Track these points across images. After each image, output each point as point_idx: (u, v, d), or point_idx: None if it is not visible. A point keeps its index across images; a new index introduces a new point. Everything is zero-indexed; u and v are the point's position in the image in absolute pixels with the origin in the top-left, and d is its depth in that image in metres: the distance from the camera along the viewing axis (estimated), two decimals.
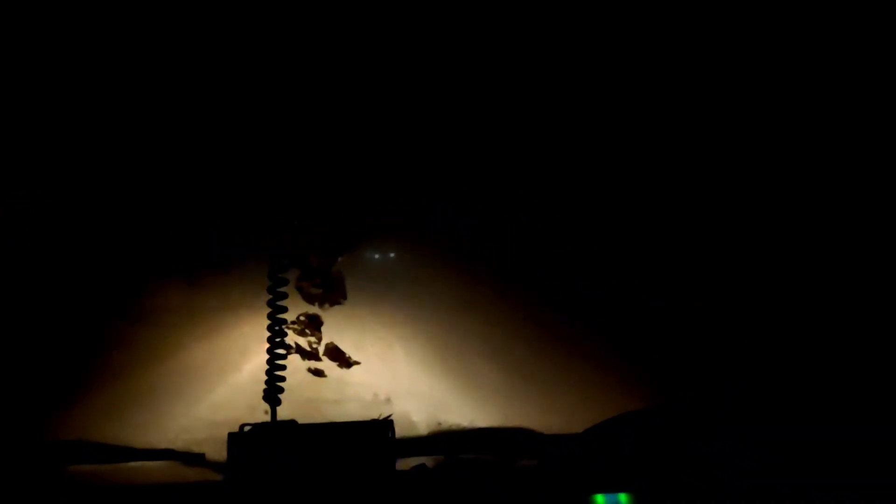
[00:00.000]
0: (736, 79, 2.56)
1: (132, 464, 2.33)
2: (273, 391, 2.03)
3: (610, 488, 2.03)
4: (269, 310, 2.09)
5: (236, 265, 2.59)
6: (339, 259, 2.56)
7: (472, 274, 2.65)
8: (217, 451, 2.16)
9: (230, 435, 1.97)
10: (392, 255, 2.71)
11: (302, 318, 2.53)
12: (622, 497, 2.02)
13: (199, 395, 2.63)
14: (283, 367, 2.06)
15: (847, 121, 2.55)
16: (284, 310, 2.08)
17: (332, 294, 2.52)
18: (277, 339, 2.04)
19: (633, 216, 2.59)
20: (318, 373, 2.55)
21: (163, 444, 2.38)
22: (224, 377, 2.67)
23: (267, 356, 2.07)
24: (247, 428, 1.97)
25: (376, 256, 2.71)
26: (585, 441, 2.14)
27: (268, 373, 2.05)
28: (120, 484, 2.25)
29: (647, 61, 2.56)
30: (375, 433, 2.04)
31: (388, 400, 2.53)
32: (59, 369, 2.50)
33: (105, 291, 2.64)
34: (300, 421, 2.05)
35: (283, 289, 2.08)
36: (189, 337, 2.65)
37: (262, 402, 2.08)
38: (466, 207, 2.67)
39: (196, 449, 2.34)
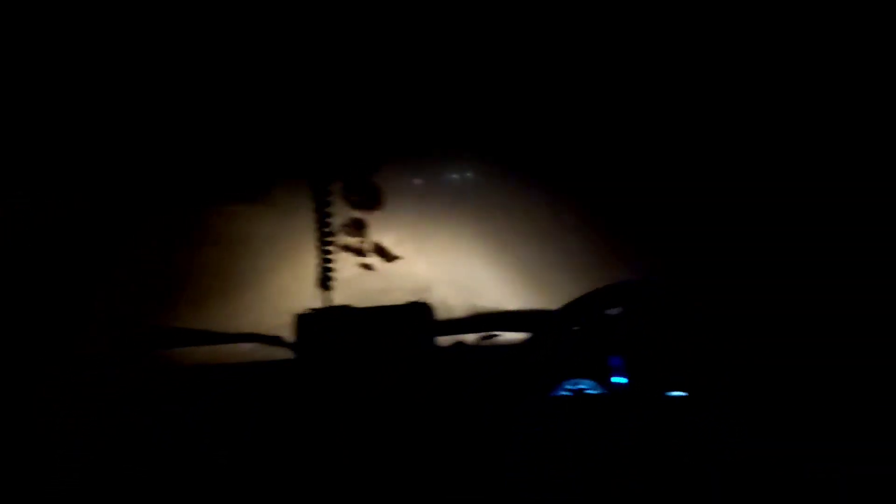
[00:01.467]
0: (738, 79, 2.66)
1: (219, 346, 2.53)
2: (325, 280, 2.36)
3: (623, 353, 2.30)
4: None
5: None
6: (379, 168, 2.78)
7: (501, 169, 2.85)
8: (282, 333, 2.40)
9: (297, 316, 2.29)
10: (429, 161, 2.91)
11: (349, 221, 2.77)
12: (619, 360, 2.28)
13: (274, 289, 2.87)
14: (331, 260, 2.36)
15: (847, 121, 2.59)
16: (329, 214, 2.36)
17: (371, 201, 2.76)
18: (325, 236, 2.34)
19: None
20: (367, 267, 2.81)
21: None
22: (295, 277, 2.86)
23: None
24: (310, 311, 2.29)
25: (412, 164, 2.91)
26: (577, 311, 2.38)
27: (319, 265, 2.36)
28: (210, 363, 2.48)
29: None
30: (417, 314, 2.32)
31: (428, 288, 2.76)
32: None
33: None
34: (353, 306, 2.34)
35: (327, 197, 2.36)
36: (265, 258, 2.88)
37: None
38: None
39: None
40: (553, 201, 2.82)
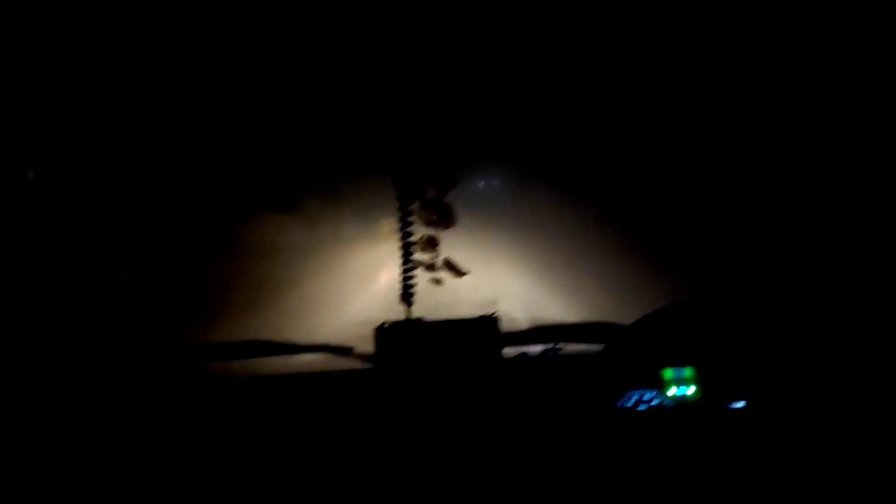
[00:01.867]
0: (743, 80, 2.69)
1: (290, 357, 2.56)
2: (407, 295, 2.50)
3: (676, 363, 2.39)
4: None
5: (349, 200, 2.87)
6: (451, 190, 2.89)
7: (559, 194, 2.93)
8: (364, 344, 2.50)
9: (376, 329, 2.41)
10: (494, 182, 3.01)
11: (423, 238, 2.86)
12: (687, 371, 2.37)
13: (342, 303, 3.01)
14: (413, 276, 2.50)
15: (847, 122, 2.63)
16: (411, 233, 2.50)
17: (445, 219, 2.88)
18: (407, 254, 2.48)
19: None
20: (438, 282, 2.94)
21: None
22: (361, 291, 3.05)
23: (397, 271, 2.47)
24: (387, 324, 2.42)
25: (481, 184, 3.01)
26: (650, 326, 2.50)
27: (402, 282, 2.49)
28: (281, 374, 2.47)
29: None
30: (485, 327, 2.44)
31: (494, 301, 2.86)
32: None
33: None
34: (426, 319, 2.48)
35: (409, 216, 2.50)
36: (322, 264, 2.98)
37: (393, 306, 2.49)
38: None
39: (348, 342, 2.57)
40: (613, 225, 2.91)
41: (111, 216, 2.68)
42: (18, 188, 2.66)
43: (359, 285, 3.03)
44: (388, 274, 2.89)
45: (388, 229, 2.78)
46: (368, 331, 2.44)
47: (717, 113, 2.78)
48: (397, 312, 2.53)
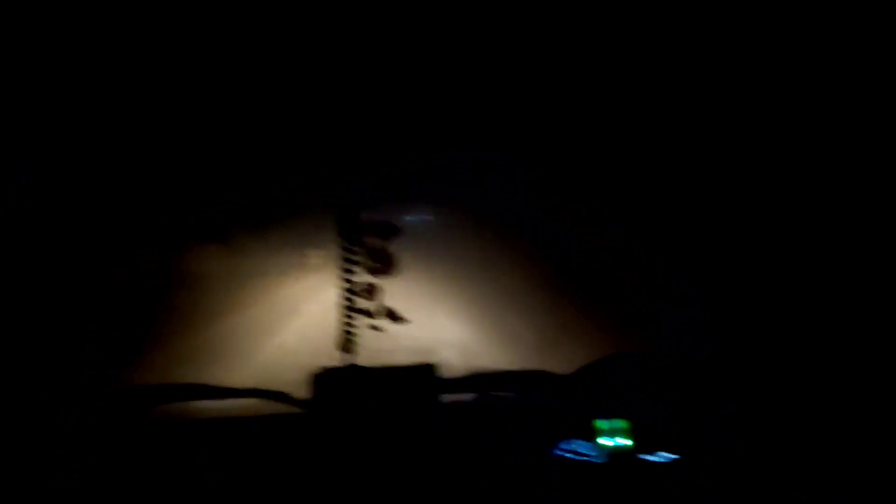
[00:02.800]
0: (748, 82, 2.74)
1: (217, 402, 2.51)
2: (347, 343, 2.50)
3: (609, 415, 2.43)
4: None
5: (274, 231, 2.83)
6: (394, 238, 2.90)
7: (498, 240, 3.00)
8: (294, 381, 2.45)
9: (314, 374, 2.40)
10: (433, 224, 3.04)
11: (365, 286, 2.79)
12: (620, 422, 2.41)
13: (271, 336, 2.98)
14: (353, 325, 2.51)
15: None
16: (351, 281, 2.52)
17: (387, 267, 2.88)
18: (349, 301, 2.49)
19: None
20: (376, 328, 2.85)
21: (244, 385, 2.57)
22: (289, 323, 3.01)
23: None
24: (324, 369, 2.40)
25: (421, 227, 3.06)
26: (585, 377, 2.55)
27: (343, 328, 2.50)
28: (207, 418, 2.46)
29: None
30: (423, 374, 2.45)
31: (432, 349, 2.86)
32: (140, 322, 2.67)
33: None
34: (364, 365, 2.50)
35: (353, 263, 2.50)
36: (245, 297, 2.96)
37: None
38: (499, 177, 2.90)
39: (277, 379, 2.54)
40: (552, 273, 2.98)
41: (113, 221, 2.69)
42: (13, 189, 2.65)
43: (287, 318, 3.01)
44: (316, 307, 2.90)
45: (317, 262, 2.82)
46: (298, 365, 2.43)
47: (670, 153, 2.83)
48: (327, 348, 2.54)
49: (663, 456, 2.39)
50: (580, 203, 2.88)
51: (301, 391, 2.41)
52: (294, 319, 3.09)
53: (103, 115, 2.71)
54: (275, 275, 3.03)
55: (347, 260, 2.50)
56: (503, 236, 3.05)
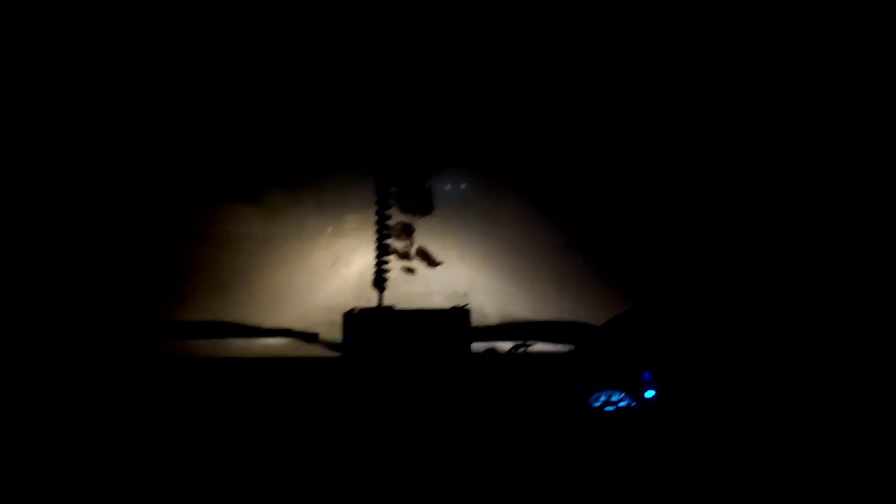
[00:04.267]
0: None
1: (255, 340, 2.57)
2: (380, 281, 2.44)
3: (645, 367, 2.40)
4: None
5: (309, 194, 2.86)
6: (430, 179, 2.87)
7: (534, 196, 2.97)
8: (330, 333, 2.49)
9: (345, 315, 2.36)
10: (470, 184, 3.00)
11: (398, 224, 2.85)
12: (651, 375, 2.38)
13: (306, 293, 2.96)
14: (387, 262, 2.44)
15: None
16: (388, 217, 2.44)
17: (423, 206, 2.86)
18: (383, 240, 2.43)
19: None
20: (410, 270, 2.89)
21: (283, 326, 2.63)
22: (326, 281, 2.99)
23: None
24: (356, 310, 2.37)
25: (462, 186, 2.99)
26: (617, 328, 2.51)
27: (376, 266, 2.43)
28: (244, 358, 2.45)
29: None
30: (455, 319, 2.40)
31: (466, 294, 2.86)
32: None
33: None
34: (397, 307, 2.44)
35: (388, 200, 2.44)
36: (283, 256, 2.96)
37: (358, 297, 2.48)
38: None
39: (312, 330, 2.58)
40: (589, 229, 2.92)
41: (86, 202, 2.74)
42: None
43: (323, 276, 2.96)
44: (351, 268, 2.88)
45: (352, 226, 2.79)
46: (330, 319, 2.43)
47: (684, 119, 2.84)
48: (363, 302, 2.48)
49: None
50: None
51: (334, 333, 2.40)
52: (329, 278, 3.04)
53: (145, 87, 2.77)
54: (309, 237, 2.99)
55: (382, 196, 2.42)
56: (539, 191, 3.01)
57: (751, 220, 2.74)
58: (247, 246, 2.88)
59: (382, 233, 2.41)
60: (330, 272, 2.96)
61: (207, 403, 2.27)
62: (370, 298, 2.53)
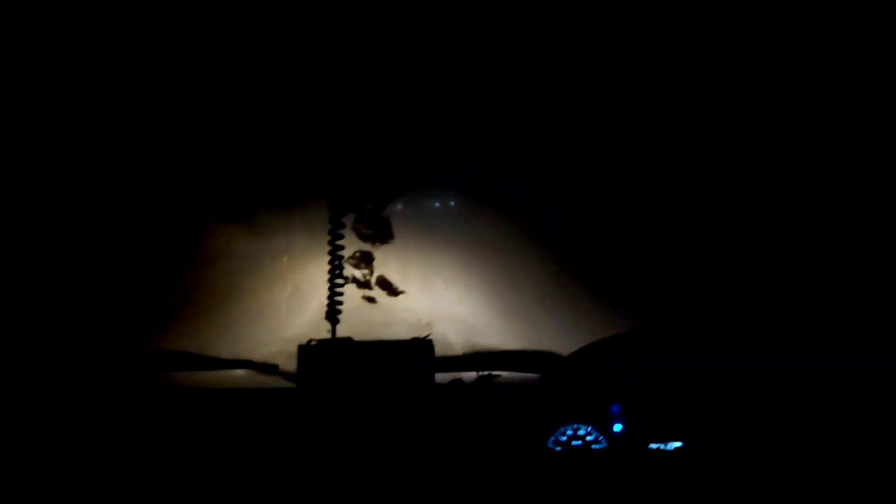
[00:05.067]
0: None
1: (213, 372, 2.59)
2: (333, 312, 2.36)
3: (612, 400, 2.34)
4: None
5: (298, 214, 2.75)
6: (389, 205, 2.77)
7: (497, 218, 2.89)
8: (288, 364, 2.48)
9: (300, 347, 2.30)
10: (435, 203, 2.90)
11: (357, 253, 2.75)
12: (622, 407, 2.32)
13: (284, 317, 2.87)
14: (341, 293, 2.37)
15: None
16: (342, 247, 2.38)
17: (382, 234, 2.75)
18: (336, 270, 2.36)
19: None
20: (370, 300, 2.80)
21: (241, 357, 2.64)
22: (305, 306, 2.89)
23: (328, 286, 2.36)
24: (313, 342, 2.30)
25: (419, 204, 2.88)
26: (587, 359, 2.45)
27: (329, 297, 2.37)
28: (204, 388, 2.49)
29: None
30: (418, 350, 2.33)
31: (429, 324, 2.78)
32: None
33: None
34: (356, 339, 2.37)
35: (341, 230, 2.38)
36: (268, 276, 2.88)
37: (324, 322, 2.38)
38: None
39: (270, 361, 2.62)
40: (558, 251, 2.84)
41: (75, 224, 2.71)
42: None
43: (303, 300, 2.90)
44: (310, 299, 2.81)
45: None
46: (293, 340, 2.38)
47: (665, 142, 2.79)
48: (325, 333, 2.42)
49: (668, 443, 2.29)
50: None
51: (291, 364, 2.35)
52: (310, 302, 2.92)
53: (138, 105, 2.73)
54: (295, 256, 2.88)
55: (335, 223, 2.34)
56: (508, 211, 2.93)
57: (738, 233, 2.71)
58: (231, 265, 2.82)
59: (336, 263, 2.33)
60: (311, 296, 2.87)
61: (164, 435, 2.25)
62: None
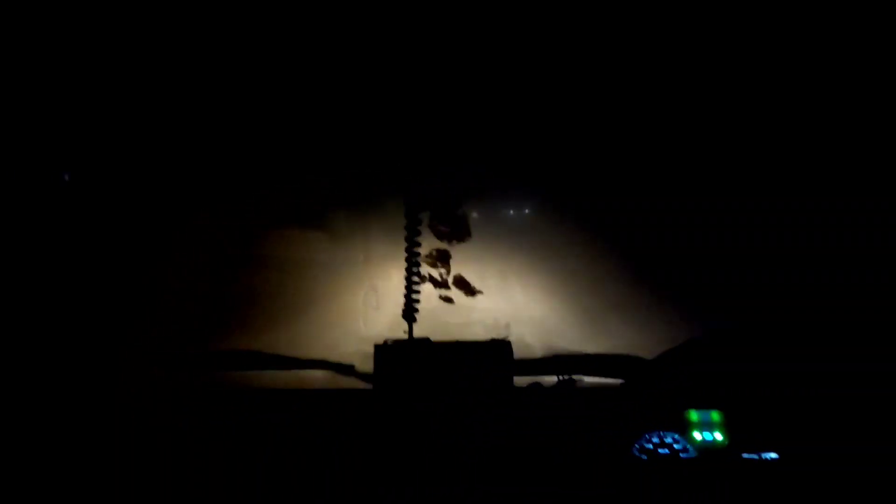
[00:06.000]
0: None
1: (292, 371, 2.58)
2: (410, 311, 2.34)
3: (702, 406, 2.25)
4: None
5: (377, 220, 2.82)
6: (467, 203, 2.79)
7: (577, 222, 2.88)
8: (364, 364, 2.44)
9: (376, 346, 2.28)
10: (511, 207, 2.92)
11: (434, 252, 2.78)
12: (714, 414, 2.22)
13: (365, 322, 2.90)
14: (418, 292, 2.35)
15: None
16: (418, 244, 2.35)
17: (459, 232, 2.75)
18: (413, 269, 2.33)
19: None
20: (448, 300, 2.80)
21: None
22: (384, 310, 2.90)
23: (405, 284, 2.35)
24: (390, 342, 2.29)
25: (498, 206, 2.91)
26: (672, 362, 2.34)
27: (405, 296, 2.35)
28: (281, 388, 2.48)
29: None
30: (496, 352, 2.30)
31: (508, 325, 2.75)
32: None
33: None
34: (433, 339, 2.34)
35: (418, 227, 2.35)
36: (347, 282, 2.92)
37: (402, 323, 2.38)
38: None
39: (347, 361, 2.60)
40: (637, 255, 2.80)
41: (144, 224, 2.80)
42: (54, 191, 2.75)
43: (381, 302, 2.92)
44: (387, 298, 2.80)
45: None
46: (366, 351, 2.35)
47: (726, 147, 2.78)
48: (401, 333, 2.41)
49: (762, 454, 2.17)
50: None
51: (368, 365, 2.33)
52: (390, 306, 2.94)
53: (135, 125, 2.81)
54: (375, 262, 2.94)
55: (412, 221, 2.31)
56: (586, 214, 2.92)
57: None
58: (310, 272, 2.86)
59: (412, 261, 2.30)
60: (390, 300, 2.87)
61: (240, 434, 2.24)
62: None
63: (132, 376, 2.31)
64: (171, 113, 2.77)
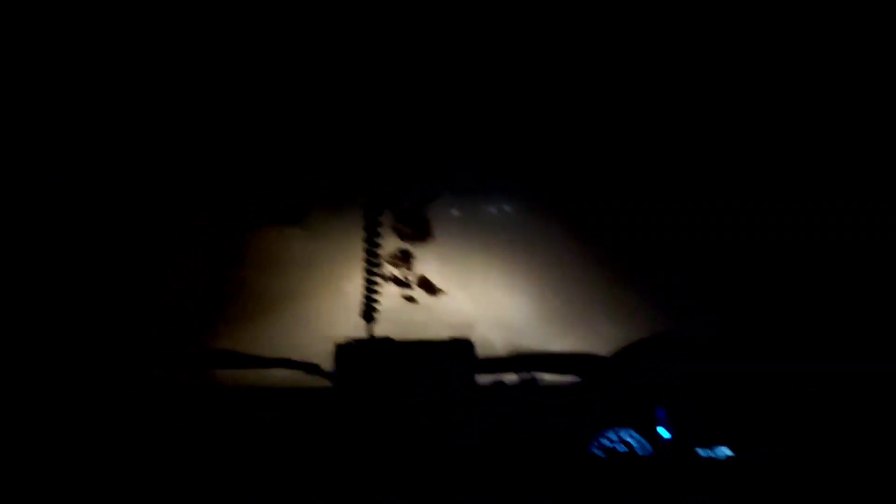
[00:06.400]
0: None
1: (255, 370, 2.53)
2: (369, 311, 2.34)
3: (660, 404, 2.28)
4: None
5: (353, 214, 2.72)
6: (429, 203, 2.79)
7: (541, 220, 2.89)
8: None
9: (337, 345, 2.28)
10: (475, 202, 2.92)
11: (397, 252, 2.76)
12: (666, 412, 2.25)
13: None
14: (377, 292, 2.36)
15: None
16: (378, 245, 2.36)
17: (421, 233, 2.76)
18: (373, 269, 2.34)
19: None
20: (410, 299, 2.79)
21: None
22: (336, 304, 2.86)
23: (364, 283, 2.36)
24: (351, 341, 2.28)
25: (460, 204, 2.92)
26: (629, 359, 2.38)
27: (364, 296, 2.36)
28: (243, 386, 2.46)
29: None
30: (458, 351, 2.31)
31: (470, 324, 2.73)
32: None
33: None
34: (394, 338, 2.33)
35: (378, 227, 2.36)
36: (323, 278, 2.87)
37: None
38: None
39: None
40: (601, 251, 2.83)
41: (133, 223, 2.80)
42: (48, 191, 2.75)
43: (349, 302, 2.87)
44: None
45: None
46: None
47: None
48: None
49: (718, 451, 2.21)
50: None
51: (323, 362, 2.33)
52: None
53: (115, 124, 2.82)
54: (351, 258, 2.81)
55: (371, 221, 2.33)
56: (550, 212, 2.95)
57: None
58: (286, 269, 2.84)
59: (371, 261, 2.31)
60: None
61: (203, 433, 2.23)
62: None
63: (127, 375, 2.31)
64: (164, 114, 2.80)
